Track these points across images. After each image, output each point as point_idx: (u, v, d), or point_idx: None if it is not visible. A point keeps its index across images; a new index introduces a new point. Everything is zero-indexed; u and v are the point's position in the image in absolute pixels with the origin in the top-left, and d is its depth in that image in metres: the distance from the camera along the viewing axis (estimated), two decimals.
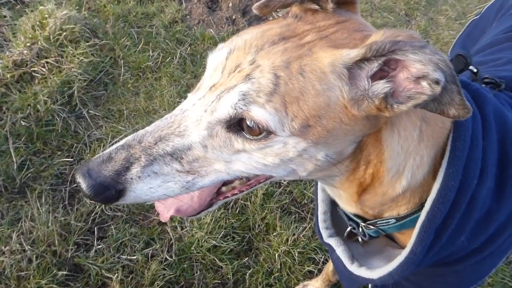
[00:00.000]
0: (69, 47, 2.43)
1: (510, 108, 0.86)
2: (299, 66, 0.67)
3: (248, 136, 0.70)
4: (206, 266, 1.80)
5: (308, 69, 0.67)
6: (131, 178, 0.71)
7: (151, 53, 2.61)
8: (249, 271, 1.79)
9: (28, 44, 2.38)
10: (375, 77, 0.67)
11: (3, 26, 2.55)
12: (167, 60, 2.62)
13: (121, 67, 2.51)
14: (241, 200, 2.00)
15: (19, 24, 2.51)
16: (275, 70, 0.67)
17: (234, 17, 3.04)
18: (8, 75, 2.24)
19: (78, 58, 2.39)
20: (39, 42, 2.38)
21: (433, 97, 0.62)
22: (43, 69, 2.31)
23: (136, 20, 2.86)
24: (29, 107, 2.15)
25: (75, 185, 1.96)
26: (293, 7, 0.79)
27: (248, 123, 0.69)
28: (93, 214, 1.87)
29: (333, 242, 1.01)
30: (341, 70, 0.67)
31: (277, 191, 2.06)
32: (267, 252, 1.86)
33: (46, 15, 2.49)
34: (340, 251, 0.98)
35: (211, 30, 2.89)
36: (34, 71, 2.31)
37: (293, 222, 1.96)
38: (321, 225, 1.06)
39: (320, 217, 1.06)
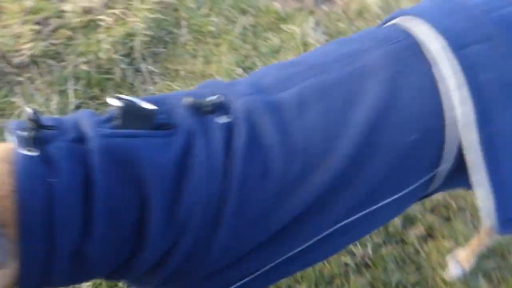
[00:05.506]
0: (136, 0, 2.45)
1: None
2: None
3: None
4: None
5: None
6: None
7: (213, 19, 2.59)
8: None
9: None
10: None
11: None
12: (228, 27, 2.59)
13: (183, 28, 2.50)
14: None
15: None
16: None
17: None
18: (76, 20, 2.29)
19: (143, 13, 2.41)
20: None
21: None
22: (109, 18, 2.35)
23: None
24: (91, 53, 2.19)
25: None
26: None
27: None
28: None
29: None
30: None
31: None
32: None
33: None
34: None
35: (277, 3, 2.83)
36: (100, 19, 2.35)
37: None
38: None
39: None
